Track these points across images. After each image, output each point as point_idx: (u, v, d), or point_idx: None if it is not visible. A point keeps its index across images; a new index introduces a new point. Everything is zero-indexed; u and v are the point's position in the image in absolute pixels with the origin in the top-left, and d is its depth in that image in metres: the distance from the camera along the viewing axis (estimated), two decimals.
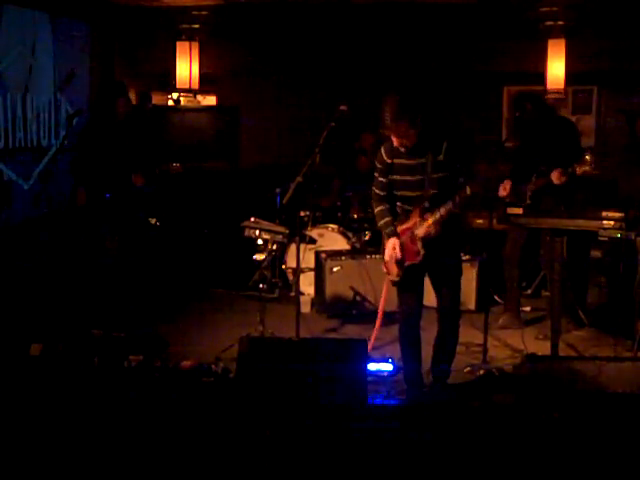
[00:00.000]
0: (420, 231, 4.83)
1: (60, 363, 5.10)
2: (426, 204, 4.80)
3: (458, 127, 5.81)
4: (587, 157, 5.88)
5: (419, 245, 4.85)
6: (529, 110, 6.42)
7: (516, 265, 6.54)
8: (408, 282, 4.99)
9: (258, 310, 6.02)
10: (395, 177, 4.89)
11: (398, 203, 4.99)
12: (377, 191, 5.01)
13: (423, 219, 4.82)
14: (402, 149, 4.77)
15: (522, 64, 8.56)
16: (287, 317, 5.84)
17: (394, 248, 4.92)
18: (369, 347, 5.25)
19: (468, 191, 4.69)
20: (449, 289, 5.00)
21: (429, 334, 5.12)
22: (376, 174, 4.99)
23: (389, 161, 4.87)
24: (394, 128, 4.67)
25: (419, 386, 5.05)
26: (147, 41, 9.14)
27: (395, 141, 4.76)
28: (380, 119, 4.70)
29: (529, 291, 7.48)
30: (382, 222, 5.00)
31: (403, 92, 4.72)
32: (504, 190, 6.32)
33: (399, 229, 4.96)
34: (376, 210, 5.06)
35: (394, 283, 5.09)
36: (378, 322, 5.59)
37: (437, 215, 4.76)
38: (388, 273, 5.09)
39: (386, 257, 5.00)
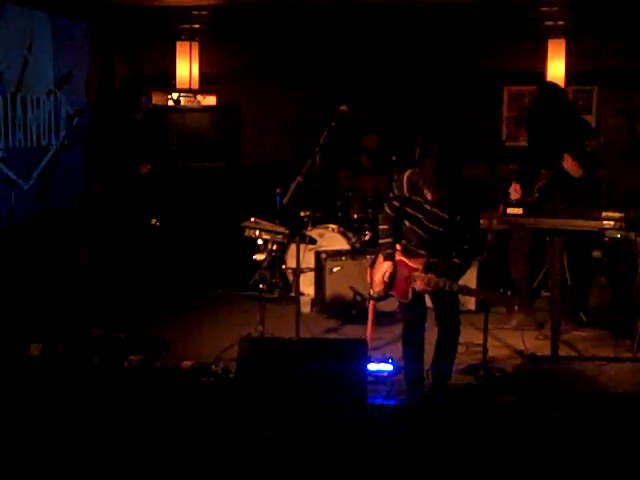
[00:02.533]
0: (417, 284, 4.79)
1: (60, 363, 5.10)
2: (432, 260, 4.78)
3: (460, 131, 5.81)
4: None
5: (410, 290, 4.85)
6: (539, 96, 6.33)
7: (523, 263, 6.52)
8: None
9: (258, 310, 6.02)
10: (409, 211, 4.85)
11: (404, 229, 4.95)
12: (387, 210, 4.97)
13: (425, 272, 4.76)
14: (429, 197, 4.66)
15: (522, 64, 8.56)
16: (287, 317, 5.84)
17: (386, 274, 4.93)
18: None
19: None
20: (447, 307, 4.97)
21: (431, 333, 5.12)
22: (391, 195, 4.94)
23: (407, 195, 4.80)
24: (433, 190, 4.60)
25: (419, 386, 5.05)
26: (147, 41, 9.14)
27: (429, 195, 4.65)
28: (422, 175, 4.63)
29: None
30: (383, 241, 4.98)
31: (443, 158, 4.62)
32: (516, 192, 6.28)
33: (398, 259, 4.93)
34: (381, 227, 5.04)
35: (372, 298, 5.21)
36: (369, 323, 5.63)
37: (440, 283, 4.71)
38: (370, 286, 5.17)
39: (376, 277, 5.04)
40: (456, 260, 4.76)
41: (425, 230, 4.81)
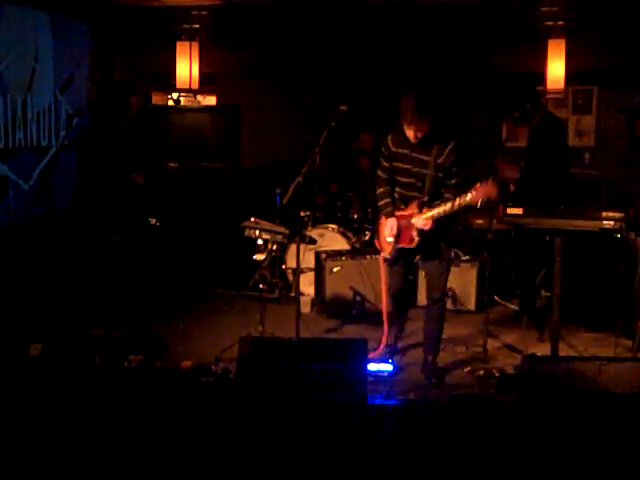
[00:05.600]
0: (417, 222, 5.18)
1: (60, 363, 5.10)
2: (425, 198, 5.18)
3: (460, 130, 5.96)
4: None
5: (414, 233, 5.23)
6: (529, 111, 6.42)
7: (525, 265, 6.54)
8: (398, 259, 5.44)
9: (258, 310, 6.02)
10: (398, 164, 5.29)
11: (397, 189, 5.37)
12: (380, 174, 5.44)
13: (421, 211, 5.17)
14: (413, 140, 5.14)
15: (522, 64, 8.56)
16: (287, 317, 5.84)
17: (392, 228, 5.30)
18: (381, 347, 5.62)
19: (469, 198, 4.98)
20: (438, 279, 5.39)
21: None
22: (381, 158, 5.42)
23: (394, 149, 5.29)
24: (416, 121, 5.04)
25: (401, 328, 5.73)
26: (147, 41, 9.14)
27: (410, 133, 5.12)
28: (400, 111, 5.08)
29: None
30: (383, 202, 5.41)
31: (426, 88, 5.12)
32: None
33: (397, 214, 5.33)
34: (378, 191, 5.45)
35: (386, 260, 5.51)
36: (385, 324, 5.66)
37: (435, 212, 5.11)
38: (382, 250, 5.51)
39: (384, 235, 5.38)
40: (446, 195, 5.15)
41: (414, 176, 5.23)
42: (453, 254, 6.81)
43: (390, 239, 5.33)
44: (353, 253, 7.16)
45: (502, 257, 6.61)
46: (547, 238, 5.81)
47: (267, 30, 8.95)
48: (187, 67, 8.92)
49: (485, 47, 8.65)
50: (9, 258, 6.66)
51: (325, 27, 8.82)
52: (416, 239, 5.23)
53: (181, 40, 8.91)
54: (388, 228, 5.32)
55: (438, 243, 5.32)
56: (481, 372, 5.40)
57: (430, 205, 5.15)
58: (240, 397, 4.47)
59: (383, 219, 5.41)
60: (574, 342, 6.19)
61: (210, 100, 9.46)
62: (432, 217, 5.12)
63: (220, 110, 9.25)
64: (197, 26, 8.91)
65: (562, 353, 5.63)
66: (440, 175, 5.16)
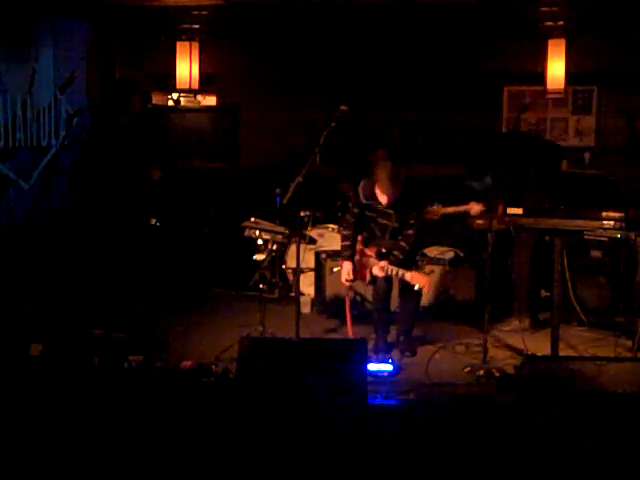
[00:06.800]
0: (373, 269, 5.80)
1: (60, 363, 5.10)
2: (383, 249, 5.84)
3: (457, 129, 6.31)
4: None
5: (367, 273, 5.89)
6: None
7: (525, 267, 6.54)
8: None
9: (258, 310, 6.02)
10: (366, 212, 5.94)
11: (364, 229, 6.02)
12: (349, 218, 6.00)
13: (380, 259, 5.79)
14: (385, 203, 5.73)
15: (522, 64, 8.56)
16: (287, 317, 5.84)
17: (349, 273, 5.88)
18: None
19: (407, 277, 5.65)
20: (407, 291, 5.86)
21: (428, 334, 5.12)
22: (350, 205, 6.02)
23: (364, 201, 5.89)
24: (391, 189, 5.64)
25: (386, 328, 6.02)
26: (147, 41, 9.14)
27: (384, 198, 5.69)
28: (375, 175, 5.68)
29: None
30: (345, 244, 5.96)
31: (395, 168, 5.71)
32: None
33: (359, 247, 5.97)
34: (343, 233, 6.01)
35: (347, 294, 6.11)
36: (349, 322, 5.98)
37: (388, 268, 5.71)
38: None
39: (342, 276, 5.93)
40: (402, 243, 5.80)
41: (378, 226, 5.92)
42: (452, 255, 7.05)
43: (347, 281, 5.91)
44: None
45: (502, 257, 6.61)
46: (547, 238, 5.82)
47: (267, 30, 8.95)
48: (187, 67, 8.92)
49: (485, 47, 8.65)
50: (9, 258, 6.66)
51: (325, 27, 8.81)
52: (368, 278, 5.91)
53: (181, 40, 8.91)
54: (345, 272, 5.90)
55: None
56: (481, 372, 5.39)
57: (386, 256, 5.78)
58: (240, 397, 4.47)
59: (341, 261, 5.97)
60: (574, 342, 6.19)
61: (210, 100, 9.46)
62: (384, 270, 5.73)
63: (220, 110, 9.25)
64: (197, 26, 8.90)
65: (562, 353, 5.63)
66: (398, 227, 5.84)
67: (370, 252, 5.90)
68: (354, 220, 5.96)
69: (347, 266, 5.91)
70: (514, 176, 6.29)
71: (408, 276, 5.65)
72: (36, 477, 3.90)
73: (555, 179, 6.29)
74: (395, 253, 5.78)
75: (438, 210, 6.98)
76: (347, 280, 5.92)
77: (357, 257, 5.97)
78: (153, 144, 7.42)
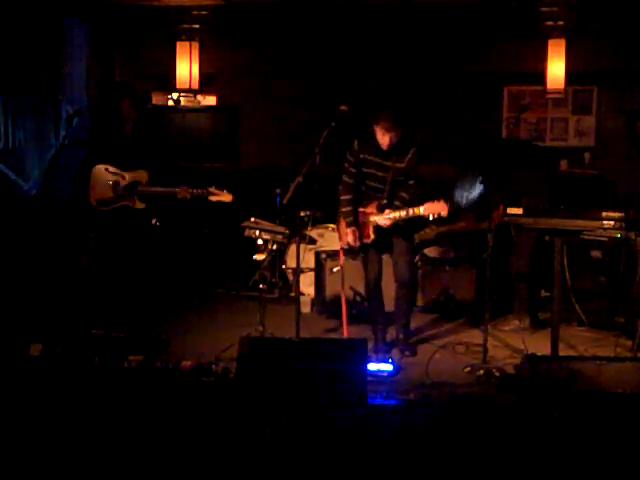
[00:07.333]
0: (378, 220, 5.71)
1: (60, 363, 5.10)
2: (384, 201, 5.73)
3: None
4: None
5: (371, 230, 5.77)
6: None
7: (525, 267, 6.54)
8: (371, 253, 5.94)
9: (258, 310, 6.02)
10: (363, 169, 5.81)
11: (363, 188, 5.88)
12: (346, 179, 5.89)
13: (381, 212, 5.69)
14: (385, 147, 5.65)
15: (522, 64, 8.56)
16: (287, 317, 5.84)
17: (354, 238, 5.82)
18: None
19: (421, 210, 5.53)
20: (403, 263, 5.84)
21: (428, 334, 5.12)
22: (346, 164, 5.87)
23: (361, 156, 5.78)
24: (392, 130, 5.60)
25: (383, 328, 6.02)
26: (147, 41, 9.14)
27: (386, 139, 5.62)
28: (377, 120, 5.62)
29: None
30: (345, 210, 5.87)
31: (399, 107, 5.80)
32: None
33: (359, 210, 5.85)
34: (342, 197, 5.91)
35: (343, 249, 6.10)
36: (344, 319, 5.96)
37: (392, 216, 5.64)
38: (340, 239, 6.02)
39: (343, 240, 5.92)
40: (402, 194, 5.73)
41: (377, 179, 5.79)
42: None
43: (353, 242, 5.85)
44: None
45: (502, 257, 6.61)
46: (547, 238, 5.82)
47: (267, 30, 8.95)
48: (187, 67, 8.92)
49: (485, 47, 8.65)
50: (9, 258, 6.65)
51: (325, 27, 8.82)
52: (372, 236, 5.79)
53: (181, 40, 8.90)
54: (351, 237, 5.84)
55: (400, 232, 5.81)
56: (481, 372, 5.39)
57: (389, 206, 5.70)
58: (240, 397, 4.47)
59: (344, 223, 5.89)
60: (574, 342, 6.19)
61: (210, 100, 9.45)
62: (390, 219, 5.65)
63: (220, 110, 9.24)
64: (197, 26, 8.90)
65: (562, 353, 5.63)
66: (399, 178, 5.73)
67: (371, 209, 5.79)
68: (352, 181, 5.85)
69: (352, 230, 5.83)
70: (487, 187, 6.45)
71: (421, 210, 5.52)
72: (36, 477, 3.90)
73: (555, 179, 6.31)
74: (397, 203, 5.71)
75: (432, 231, 7.17)
76: (353, 243, 5.85)
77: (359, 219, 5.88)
78: (153, 144, 7.39)
